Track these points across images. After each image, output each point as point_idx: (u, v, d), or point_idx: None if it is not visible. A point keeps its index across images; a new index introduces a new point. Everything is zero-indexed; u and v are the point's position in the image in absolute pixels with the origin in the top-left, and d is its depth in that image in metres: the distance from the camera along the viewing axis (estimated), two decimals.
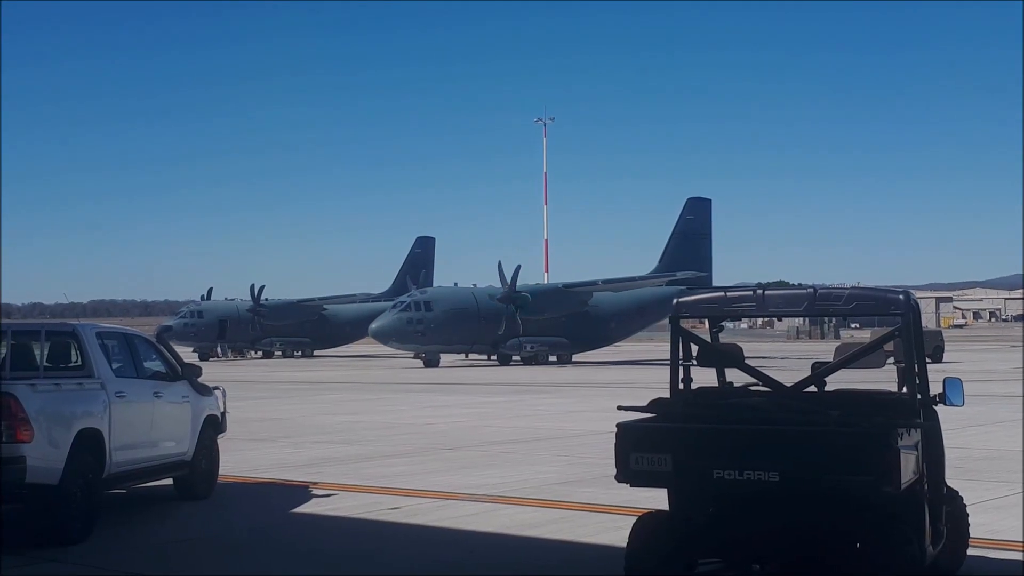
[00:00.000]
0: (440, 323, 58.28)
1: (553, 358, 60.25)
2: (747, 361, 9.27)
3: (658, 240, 71.13)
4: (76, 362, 12.94)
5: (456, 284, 63.29)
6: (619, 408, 8.75)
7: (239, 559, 10.95)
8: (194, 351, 70.45)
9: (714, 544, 8.35)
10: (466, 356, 62.78)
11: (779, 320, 11.15)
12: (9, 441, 10.77)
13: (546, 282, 66.61)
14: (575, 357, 61.60)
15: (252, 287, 77.44)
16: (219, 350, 76.66)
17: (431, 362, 58.12)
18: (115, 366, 13.09)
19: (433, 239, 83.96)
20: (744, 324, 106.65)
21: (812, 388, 9.02)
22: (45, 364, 12.98)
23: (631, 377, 43.31)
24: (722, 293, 9.07)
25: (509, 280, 58.15)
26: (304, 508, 13.64)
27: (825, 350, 13.69)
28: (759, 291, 8.88)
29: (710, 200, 72.23)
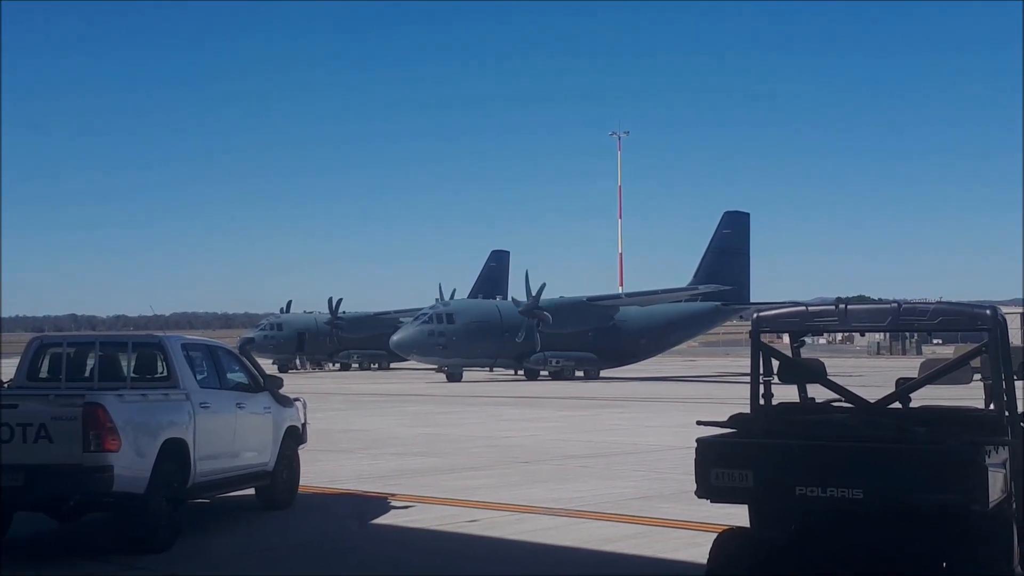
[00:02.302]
0: (462, 336, 56.99)
1: (579, 373, 58.47)
2: (829, 377, 9.18)
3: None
4: (162, 373, 13.18)
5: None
6: (698, 423, 8.71)
7: (320, 569, 11.07)
8: (274, 363, 71.30)
9: (796, 562, 8.26)
10: (491, 370, 61.31)
11: (861, 335, 11.01)
12: (97, 450, 11.01)
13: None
14: (603, 373, 59.33)
15: (330, 300, 78.23)
16: (298, 362, 77.52)
17: (454, 376, 56.83)
18: (199, 377, 13.32)
19: (508, 252, 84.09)
20: (823, 340, 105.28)
21: (897, 404, 8.90)
22: (132, 375, 13.26)
23: (698, 392, 42.98)
24: (804, 308, 8.99)
25: (534, 292, 56.51)
26: (383, 519, 13.75)
27: (907, 366, 13.50)
28: (841, 306, 8.79)
29: (748, 214, 69.85)
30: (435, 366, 59.57)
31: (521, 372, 59.80)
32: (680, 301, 64.06)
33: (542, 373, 58.83)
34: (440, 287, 63.48)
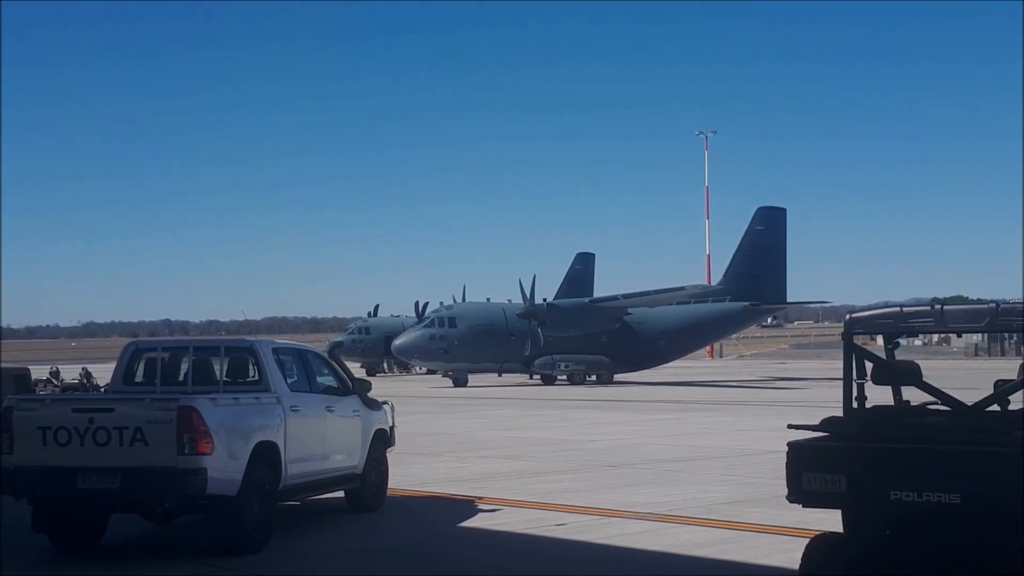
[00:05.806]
0: (465, 340, 55.41)
1: (592, 377, 56.68)
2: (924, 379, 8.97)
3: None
4: (253, 377, 13.34)
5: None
6: (790, 427, 8.58)
7: (409, 571, 11.14)
8: (362, 366, 71.99)
9: (890, 567, 8.10)
10: (499, 375, 58.36)
11: (959, 336, 10.75)
12: (191, 453, 11.19)
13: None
14: (618, 377, 57.36)
15: (416, 304, 78.26)
16: (385, 366, 78.20)
17: (459, 381, 55.56)
18: (290, 381, 13.48)
19: (593, 255, 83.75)
20: (918, 341, 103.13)
21: (995, 407, 8.67)
22: (224, 379, 13.46)
23: (789, 396, 42.40)
24: (898, 308, 8.81)
25: (528, 293, 55.19)
26: (471, 522, 13.78)
27: (1006, 368, 13.15)
28: (937, 306, 8.60)
29: (784, 209, 65.40)
30: (440, 371, 58.40)
31: (537, 377, 57.92)
32: (688, 302, 60.84)
33: (559, 378, 57.00)
34: (464, 288, 62.48)
